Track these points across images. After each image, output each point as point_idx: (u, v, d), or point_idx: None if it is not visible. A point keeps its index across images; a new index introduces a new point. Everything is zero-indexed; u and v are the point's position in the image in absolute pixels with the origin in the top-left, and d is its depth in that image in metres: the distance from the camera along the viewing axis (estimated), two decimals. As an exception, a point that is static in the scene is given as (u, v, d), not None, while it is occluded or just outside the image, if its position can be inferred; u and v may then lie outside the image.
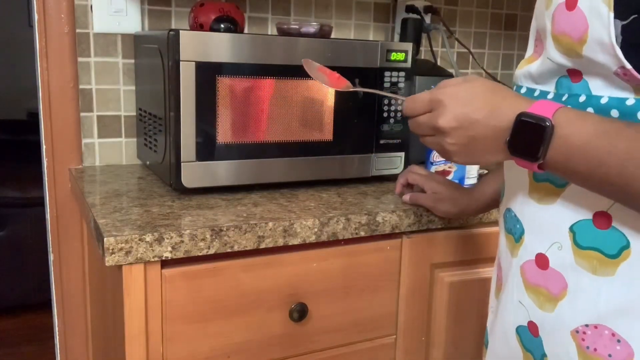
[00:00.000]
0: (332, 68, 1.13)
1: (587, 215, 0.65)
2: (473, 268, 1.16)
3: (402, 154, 1.25)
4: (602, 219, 0.63)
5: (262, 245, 0.95)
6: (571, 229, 0.66)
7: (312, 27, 1.18)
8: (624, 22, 0.58)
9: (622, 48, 0.58)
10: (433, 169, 1.26)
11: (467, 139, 0.67)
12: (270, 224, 0.95)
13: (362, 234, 1.03)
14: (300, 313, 1.00)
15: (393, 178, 1.28)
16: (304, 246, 0.99)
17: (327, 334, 1.05)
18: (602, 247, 0.64)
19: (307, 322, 1.02)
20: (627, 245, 0.62)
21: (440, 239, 1.12)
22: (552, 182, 0.68)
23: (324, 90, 1.14)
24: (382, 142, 1.22)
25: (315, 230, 0.98)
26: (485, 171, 1.30)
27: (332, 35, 1.30)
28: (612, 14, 0.58)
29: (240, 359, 0.98)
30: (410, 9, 1.56)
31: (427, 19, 1.62)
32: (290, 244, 0.97)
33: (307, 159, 1.16)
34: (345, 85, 0.89)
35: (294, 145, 1.14)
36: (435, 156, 1.26)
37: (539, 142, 0.61)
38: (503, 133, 0.64)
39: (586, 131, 0.59)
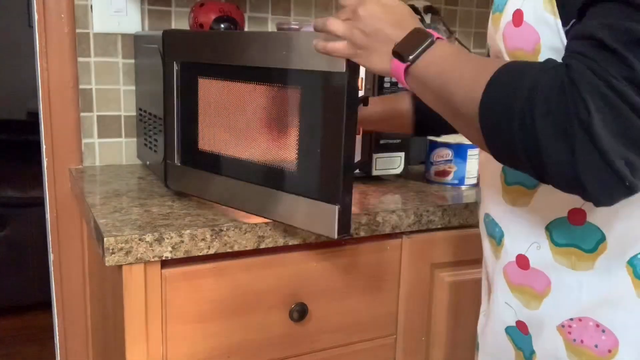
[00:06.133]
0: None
1: (562, 213, 0.67)
2: (473, 268, 1.16)
3: (402, 154, 1.25)
4: (576, 215, 0.65)
5: (262, 245, 0.95)
6: (547, 228, 0.68)
7: (312, 27, 1.18)
8: (566, 28, 0.61)
9: None
10: (433, 169, 1.26)
11: (373, 30, 0.73)
12: (271, 224, 0.95)
13: (362, 234, 1.03)
14: (300, 313, 1.00)
15: (393, 178, 1.28)
16: (304, 246, 0.99)
17: (327, 334, 1.05)
18: (580, 242, 0.66)
19: (307, 322, 1.02)
20: (602, 239, 0.64)
21: (440, 239, 1.12)
22: (522, 185, 0.70)
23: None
24: (382, 142, 1.22)
25: (315, 230, 0.98)
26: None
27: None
28: (559, 21, 0.61)
29: (240, 359, 0.98)
30: (410, 9, 1.56)
31: (427, 19, 1.62)
32: (290, 244, 0.97)
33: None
34: None
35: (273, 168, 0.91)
36: (435, 156, 1.26)
37: (417, 46, 0.69)
38: (397, 39, 0.72)
39: (453, 52, 0.68)
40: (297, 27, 1.19)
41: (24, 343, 2.43)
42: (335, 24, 0.76)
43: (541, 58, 0.63)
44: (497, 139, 0.59)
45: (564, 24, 0.61)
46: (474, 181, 1.25)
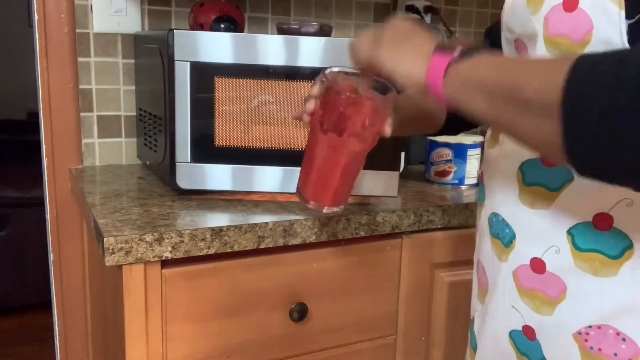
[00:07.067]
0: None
1: (587, 217, 0.64)
2: (473, 268, 1.16)
3: (402, 154, 1.25)
4: (603, 220, 0.63)
5: (262, 245, 0.95)
6: (569, 232, 0.66)
7: (312, 27, 1.18)
8: (631, 21, 0.56)
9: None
10: (433, 169, 1.26)
11: (404, 34, 0.68)
12: (270, 224, 0.95)
13: (362, 234, 1.03)
14: (300, 313, 1.00)
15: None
16: (304, 246, 0.99)
17: (327, 334, 1.05)
18: (604, 248, 0.63)
19: (307, 322, 1.02)
20: (629, 245, 0.62)
21: (440, 239, 1.12)
22: (544, 186, 0.68)
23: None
24: (382, 142, 1.23)
25: (315, 230, 0.98)
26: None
27: (332, 36, 1.30)
28: (623, 13, 0.56)
29: (240, 359, 0.98)
30: (410, 9, 1.56)
31: (427, 19, 1.62)
32: (290, 244, 0.97)
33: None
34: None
35: (292, 153, 1.09)
36: (435, 156, 1.26)
37: (461, 47, 0.63)
38: (434, 44, 0.65)
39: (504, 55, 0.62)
40: (297, 27, 1.19)
41: (24, 343, 2.43)
42: (361, 41, 0.72)
43: (588, 50, 0.59)
44: (588, 131, 0.49)
45: (629, 17, 0.55)
46: (474, 181, 1.25)
